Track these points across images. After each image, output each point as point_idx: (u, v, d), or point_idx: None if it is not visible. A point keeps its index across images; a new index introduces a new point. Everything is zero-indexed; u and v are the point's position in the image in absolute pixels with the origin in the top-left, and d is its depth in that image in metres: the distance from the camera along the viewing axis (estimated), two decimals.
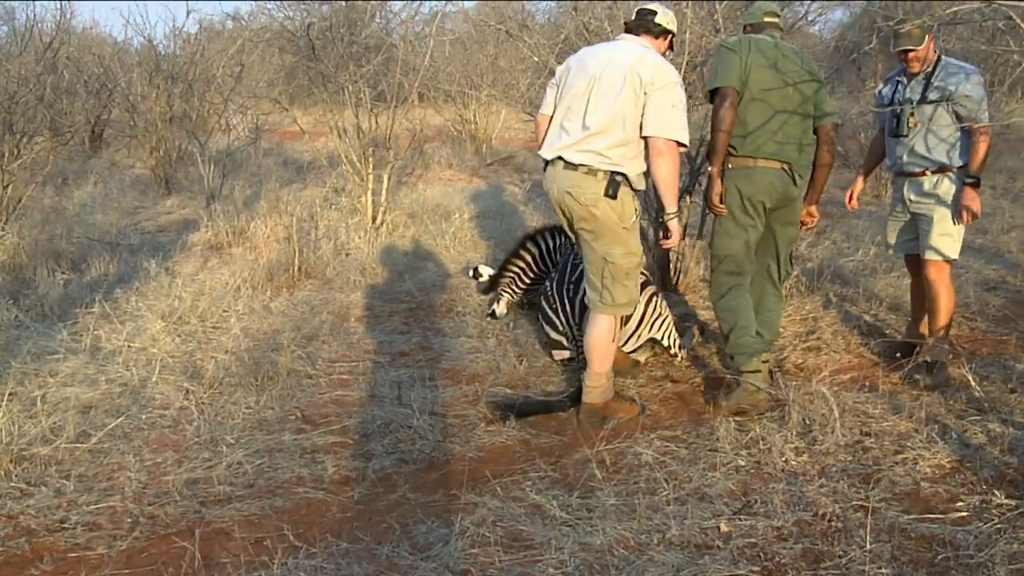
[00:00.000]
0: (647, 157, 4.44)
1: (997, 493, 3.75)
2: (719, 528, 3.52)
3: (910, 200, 5.28)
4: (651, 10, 4.61)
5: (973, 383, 4.87)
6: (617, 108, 4.32)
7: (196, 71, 13.63)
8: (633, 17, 4.67)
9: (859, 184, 5.73)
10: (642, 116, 4.33)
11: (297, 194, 11.03)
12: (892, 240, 5.56)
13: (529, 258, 6.30)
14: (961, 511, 3.65)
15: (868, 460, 4.12)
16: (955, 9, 3.49)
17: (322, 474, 4.09)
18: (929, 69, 5.12)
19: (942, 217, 5.12)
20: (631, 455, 4.19)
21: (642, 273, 5.15)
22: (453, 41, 16.54)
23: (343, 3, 11.25)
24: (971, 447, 4.23)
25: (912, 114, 5.13)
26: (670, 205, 4.49)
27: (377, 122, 9.51)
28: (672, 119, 4.32)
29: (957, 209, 5.05)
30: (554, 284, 5.65)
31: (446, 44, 15.78)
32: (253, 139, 14.00)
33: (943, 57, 5.16)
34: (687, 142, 4.46)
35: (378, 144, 9.58)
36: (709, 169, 4.80)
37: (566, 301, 5.46)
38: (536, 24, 10.43)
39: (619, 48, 4.55)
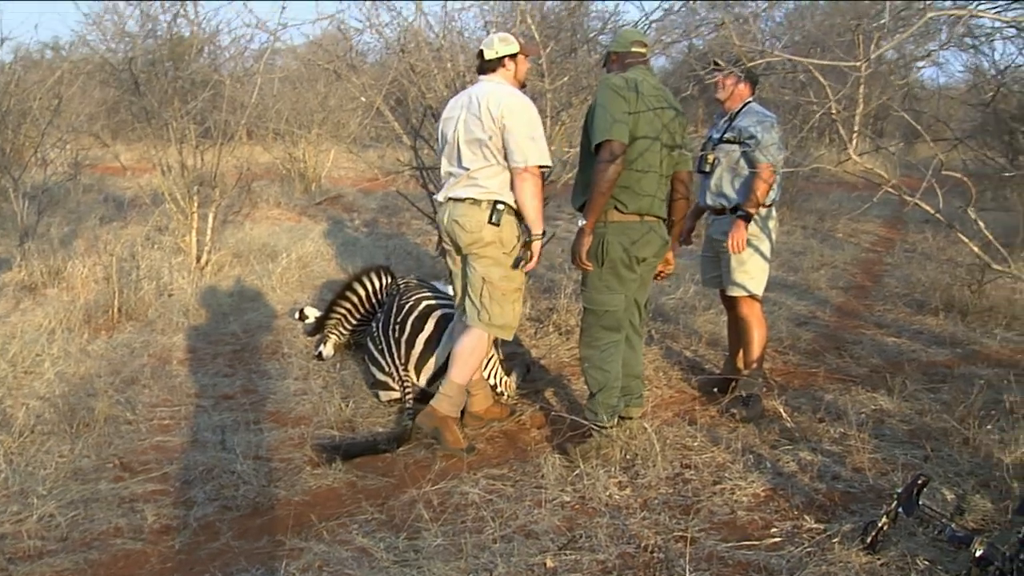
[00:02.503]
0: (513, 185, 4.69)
1: (807, 518, 3.94)
2: (545, 564, 3.56)
3: (714, 237, 5.49)
4: (480, 50, 4.89)
5: (785, 415, 5.13)
6: (482, 145, 4.63)
7: (11, 102, 13.00)
8: (477, 61, 4.96)
9: (687, 224, 5.74)
10: (504, 147, 4.62)
11: (117, 232, 10.66)
12: (702, 275, 5.82)
13: (356, 299, 6.27)
14: (775, 536, 3.81)
15: (688, 491, 4.25)
16: (764, 60, 3.68)
17: (141, 524, 3.95)
18: (735, 111, 5.36)
19: (741, 256, 5.30)
20: (458, 495, 4.21)
21: None
22: (282, 79, 16.35)
23: (168, 37, 10.99)
24: (784, 475, 4.42)
25: (711, 152, 5.35)
26: (535, 227, 4.71)
27: (203, 159, 9.31)
28: (530, 147, 4.59)
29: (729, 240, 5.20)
30: (380, 325, 5.64)
31: (275, 81, 15.59)
32: (72, 175, 13.45)
33: (751, 103, 5.38)
34: (549, 163, 4.73)
35: (204, 182, 9.37)
36: (581, 224, 4.51)
37: (392, 342, 5.45)
38: (366, 65, 10.43)
39: (474, 90, 4.83)
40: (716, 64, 5.30)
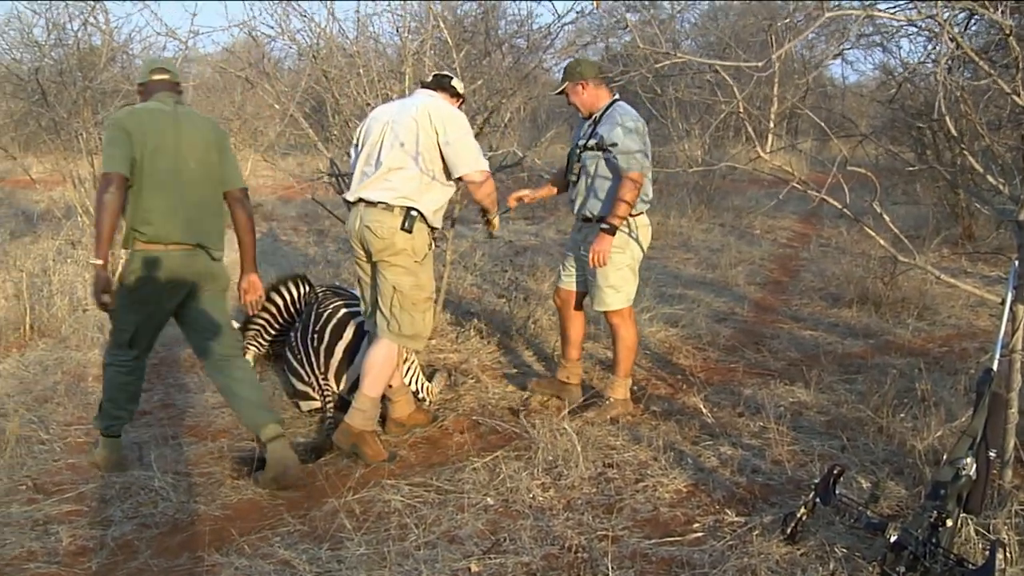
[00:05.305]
0: (470, 191, 4.92)
1: (729, 512, 4.01)
2: (469, 569, 3.56)
3: (579, 245, 5.37)
4: (448, 75, 5.05)
5: (705, 410, 5.19)
6: (410, 143, 4.64)
7: None
8: (430, 79, 5.04)
9: (539, 192, 5.65)
10: (444, 157, 4.70)
11: (28, 247, 10.38)
12: (561, 273, 5.62)
13: (274, 309, 6.18)
14: (697, 531, 3.88)
15: (611, 490, 4.29)
16: (670, 61, 3.72)
17: (56, 546, 3.84)
18: (598, 115, 5.22)
19: (605, 269, 5.14)
20: (380, 503, 4.18)
21: None
22: (197, 87, 16.11)
23: (77, 46, 10.74)
24: (705, 470, 4.48)
25: (577, 159, 5.27)
26: (493, 213, 5.08)
27: None
28: (475, 155, 4.78)
29: (590, 253, 5.07)
30: (298, 335, 5.59)
31: (189, 90, 15.34)
32: None
33: (616, 104, 5.22)
34: (487, 167, 4.86)
35: None
36: (94, 262, 4.31)
37: (311, 351, 5.40)
38: (281, 71, 10.33)
39: (411, 98, 4.94)
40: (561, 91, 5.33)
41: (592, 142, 5.16)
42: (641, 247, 5.29)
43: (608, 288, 5.21)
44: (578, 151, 5.28)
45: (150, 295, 4.47)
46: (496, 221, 5.13)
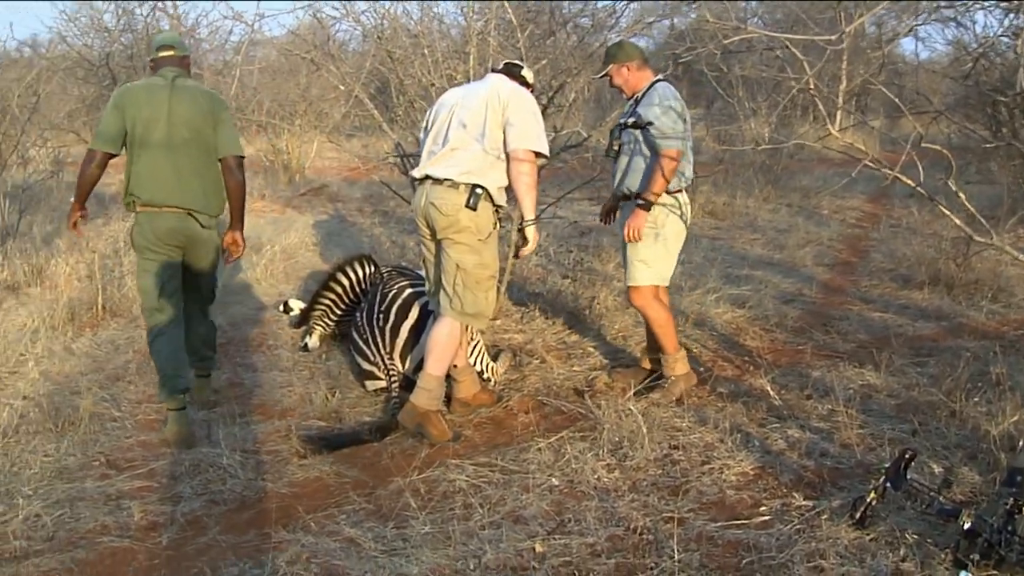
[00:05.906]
0: (508, 169, 4.71)
1: (796, 495, 3.94)
2: (534, 549, 3.55)
3: (620, 224, 5.37)
4: (518, 63, 5.06)
5: (772, 392, 5.12)
6: (477, 123, 4.66)
7: None
8: (500, 66, 5.05)
9: (607, 205, 5.67)
10: (504, 133, 4.64)
11: (100, 229, 10.57)
12: (622, 260, 5.59)
13: (340, 289, 6.24)
14: (764, 515, 3.81)
15: (676, 472, 4.25)
16: (740, 37, 3.66)
17: (128, 521, 3.91)
18: (640, 95, 5.20)
19: (635, 244, 5.16)
20: (445, 482, 4.19)
21: None
22: (263, 70, 16.26)
23: (146, 31, 10.90)
24: (772, 453, 4.42)
25: (618, 137, 5.25)
26: (529, 212, 4.78)
27: None
28: (531, 133, 4.67)
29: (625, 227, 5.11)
30: (364, 314, 5.62)
31: (255, 73, 15.50)
32: (53, 172, 13.35)
33: (657, 84, 5.20)
34: (547, 152, 4.79)
35: None
36: (71, 201, 5.01)
37: (376, 330, 5.44)
38: (345, 53, 10.36)
39: (481, 81, 4.99)
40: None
41: (632, 120, 5.15)
42: (684, 224, 5.28)
43: (639, 262, 5.19)
44: (619, 129, 5.28)
45: (156, 251, 4.87)
46: (531, 231, 4.84)
